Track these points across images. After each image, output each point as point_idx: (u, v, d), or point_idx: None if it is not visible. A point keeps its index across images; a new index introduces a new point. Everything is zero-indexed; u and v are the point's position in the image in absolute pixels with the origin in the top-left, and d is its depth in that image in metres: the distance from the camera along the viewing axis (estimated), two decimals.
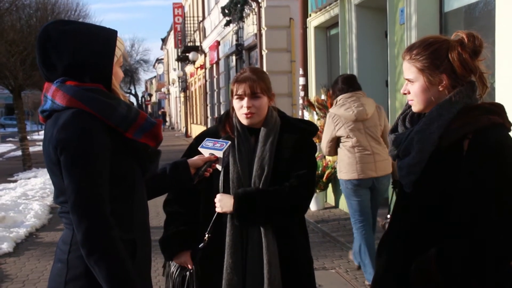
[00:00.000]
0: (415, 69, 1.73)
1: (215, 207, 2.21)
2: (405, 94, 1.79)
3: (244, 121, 2.22)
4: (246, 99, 2.18)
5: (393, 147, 1.83)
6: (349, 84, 4.28)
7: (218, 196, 2.20)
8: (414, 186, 1.75)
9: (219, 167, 2.11)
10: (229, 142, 2.12)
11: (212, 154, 2.08)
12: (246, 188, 2.17)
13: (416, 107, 1.77)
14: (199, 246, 2.23)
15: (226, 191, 2.22)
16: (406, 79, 1.77)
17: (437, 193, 1.68)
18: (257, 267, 2.15)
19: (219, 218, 2.21)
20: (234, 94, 2.22)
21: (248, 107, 2.18)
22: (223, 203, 2.17)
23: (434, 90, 1.72)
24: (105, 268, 1.53)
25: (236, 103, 2.22)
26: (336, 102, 4.31)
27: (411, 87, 1.76)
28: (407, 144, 1.74)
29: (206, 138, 2.16)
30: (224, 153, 2.07)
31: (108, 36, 1.68)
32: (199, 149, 2.13)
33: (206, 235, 2.21)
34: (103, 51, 1.65)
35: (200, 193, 2.31)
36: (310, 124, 2.40)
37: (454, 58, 1.68)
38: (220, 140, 2.14)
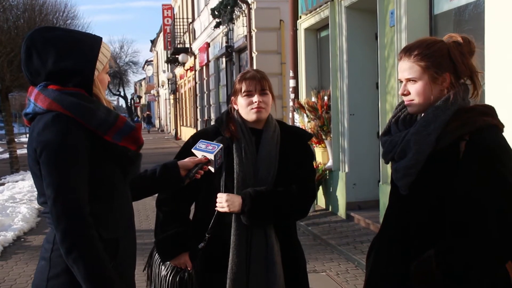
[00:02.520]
0: (419, 68, 1.71)
1: (215, 206, 2.22)
2: (404, 95, 1.77)
3: (253, 116, 2.25)
4: (256, 95, 2.24)
5: (386, 149, 1.81)
6: None
7: (225, 196, 2.20)
8: (410, 188, 1.74)
9: (211, 168, 2.12)
10: (221, 145, 2.13)
11: (204, 156, 2.08)
12: (256, 188, 2.20)
13: (414, 108, 1.75)
14: (199, 246, 2.23)
15: (228, 191, 2.23)
16: (407, 78, 1.74)
17: (434, 194, 1.68)
18: (261, 266, 2.19)
19: (222, 217, 2.22)
20: (242, 91, 2.26)
21: (259, 102, 2.23)
22: (231, 202, 2.18)
23: (436, 89, 1.71)
24: (83, 266, 1.57)
25: (243, 100, 2.26)
26: None
27: (411, 86, 1.74)
28: (404, 146, 1.73)
29: (200, 140, 2.16)
30: (215, 155, 2.08)
31: (91, 44, 1.72)
32: (192, 150, 2.14)
33: (206, 235, 2.22)
34: (86, 58, 1.69)
35: (198, 193, 2.30)
36: (303, 129, 2.51)
37: (457, 57, 1.69)
38: (213, 142, 2.14)
